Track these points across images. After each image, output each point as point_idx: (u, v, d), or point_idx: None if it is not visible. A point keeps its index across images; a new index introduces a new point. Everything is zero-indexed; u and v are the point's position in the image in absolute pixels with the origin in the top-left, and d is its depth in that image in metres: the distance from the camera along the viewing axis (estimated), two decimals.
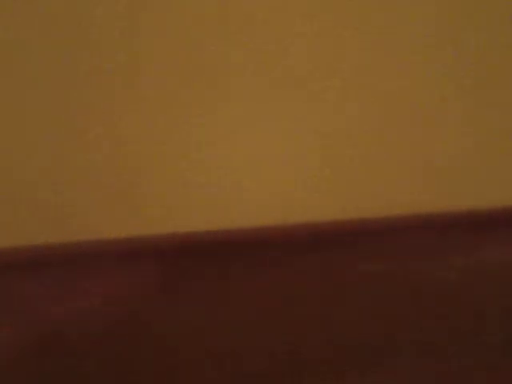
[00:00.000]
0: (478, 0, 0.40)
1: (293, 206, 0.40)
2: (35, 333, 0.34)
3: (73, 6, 0.40)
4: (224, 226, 0.39)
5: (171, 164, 0.42)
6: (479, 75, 0.41)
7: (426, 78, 0.41)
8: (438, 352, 0.35)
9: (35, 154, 0.41)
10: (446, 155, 0.39)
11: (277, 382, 0.34)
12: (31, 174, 0.41)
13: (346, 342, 0.35)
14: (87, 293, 0.36)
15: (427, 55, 0.42)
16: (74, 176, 0.41)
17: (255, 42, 0.42)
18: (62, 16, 0.40)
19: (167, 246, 0.38)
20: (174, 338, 0.34)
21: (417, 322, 0.36)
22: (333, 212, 0.39)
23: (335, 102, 0.41)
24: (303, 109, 0.41)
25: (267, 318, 0.36)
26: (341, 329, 0.36)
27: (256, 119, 0.37)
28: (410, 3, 0.39)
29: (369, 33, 0.41)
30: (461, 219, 0.40)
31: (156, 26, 0.41)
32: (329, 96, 0.41)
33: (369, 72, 0.38)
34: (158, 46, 0.41)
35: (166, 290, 0.36)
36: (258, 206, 0.40)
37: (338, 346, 0.35)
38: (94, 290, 0.36)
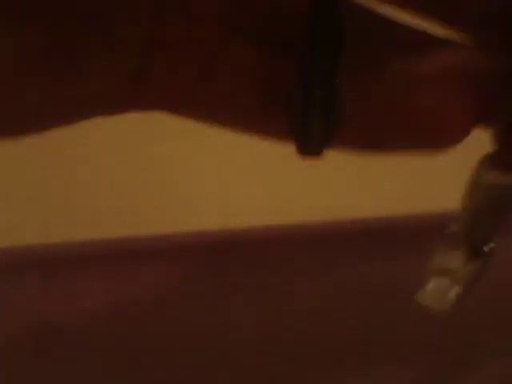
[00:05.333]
0: None
1: (293, 205, 0.40)
2: (35, 333, 0.34)
3: None
4: (223, 226, 0.39)
5: (171, 162, 0.42)
6: None
7: None
8: (438, 352, 0.35)
9: (34, 153, 0.41)
10: (447, 155, 0.38)
11: (277, 378, 0.34)
12: (31, 171, 0.41)
13: (346, 341, 0.35)
14: (88, 293, 0.36)
15: None
16: (75, 176, 0.41)
17: None
18: None
19: (167, 246, 0.38)
20: (173, 337, 0.34)
21: (417, 321, 0.36)
22: (333, 212, 0.39)
23: None
24: None
25: (267, 318, 0.36)
26: (340, 328, 0.36)
27: None
28: None
29: None
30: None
31: None
32: None
33: None
34: None
35: (165, 290, 0.36)
36: (257, 206, 0.40)
37: (337, 344, 0.35)
38: (95, 291, 0.36)
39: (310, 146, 0.25)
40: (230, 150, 0.41)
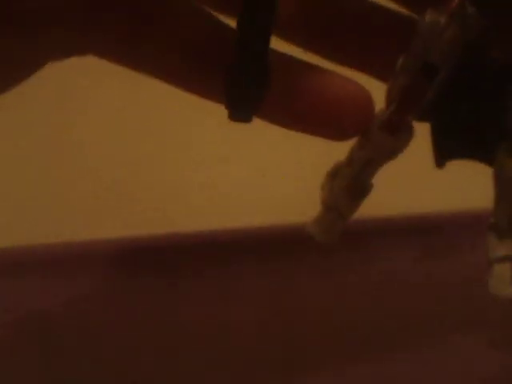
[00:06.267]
0: None
1: (293, 206, 0.40)
2: (35, 333, 0.34)
3: None
4: (223, 226, 0.39)
5: (170, 162, 0.42)
6: None
7: None
8: (437, 351, 0.35)
9: (34, 153, 0.41)
10: None
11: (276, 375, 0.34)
12: (31, 171, 0.41)
13: (347, 341, 0.35)
14: (88, 293, 0.36)
15: None
16: (75, 176, 0.41)
17: None
18: None
19: (167, 246, 0.38)
20: (173, 338, 0.34)
21: (417, 321, 0.36)
22: None
23: None
24: None
25: (267, 317, 0.36)
26: (341, 328, 0.36)
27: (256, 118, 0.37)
28: None
29: None
30: (461, 219, 0.40)
31: None
32: None
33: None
34: None
35: (166, 290, 0.36)
36: (257, 206, 0.40)
37: (338, 344, 0.35)
38: (89, 290, 0.36)
39: (239, 109, 0.26)
40: (231, 149, 0.41)
